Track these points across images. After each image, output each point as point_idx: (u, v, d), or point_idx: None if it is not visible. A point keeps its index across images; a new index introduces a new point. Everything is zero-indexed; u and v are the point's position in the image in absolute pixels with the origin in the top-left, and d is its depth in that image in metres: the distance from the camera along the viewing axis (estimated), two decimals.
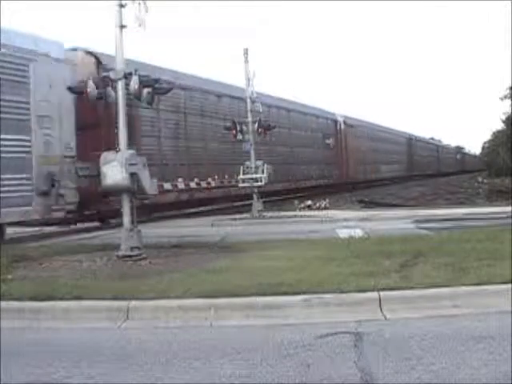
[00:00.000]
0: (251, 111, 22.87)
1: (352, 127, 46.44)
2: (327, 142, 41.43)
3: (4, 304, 7.61)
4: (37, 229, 18.42)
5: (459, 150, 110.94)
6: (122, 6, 11.29)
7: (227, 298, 7.45)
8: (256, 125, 22.74)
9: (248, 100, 22.93)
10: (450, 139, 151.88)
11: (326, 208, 24.72)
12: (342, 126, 43.97)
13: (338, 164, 43.21)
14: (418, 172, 70.72)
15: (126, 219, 11.26)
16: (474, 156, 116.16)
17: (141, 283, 8.39)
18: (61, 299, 7.70)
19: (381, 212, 21.81)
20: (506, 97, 54.49)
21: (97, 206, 18.98)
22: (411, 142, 71.15)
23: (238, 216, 21.59)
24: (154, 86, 11.56)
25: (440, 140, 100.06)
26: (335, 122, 44.19)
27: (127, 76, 11.27)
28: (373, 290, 7.38)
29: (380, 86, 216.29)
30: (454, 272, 8.10)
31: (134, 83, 11.15)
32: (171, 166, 23.28)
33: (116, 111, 11.54)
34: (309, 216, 21.22)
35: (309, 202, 25.88)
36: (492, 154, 62.77)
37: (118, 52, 11.38)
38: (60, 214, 16.33)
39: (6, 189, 14.34)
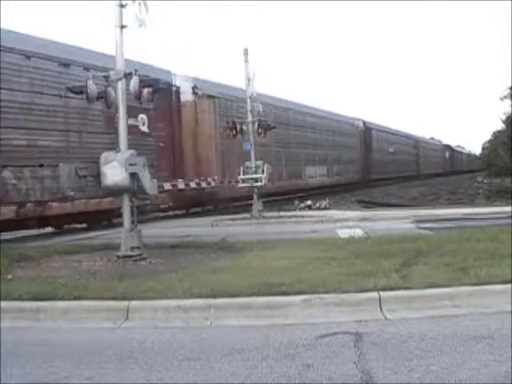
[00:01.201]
0: (251, 111, 22.88)
1: (211, 99, 25.87)
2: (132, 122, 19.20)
3: (4, 304, 7.62)
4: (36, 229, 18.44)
5: (448, 146, 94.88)
6: (122, 6, 11.30)
7: (227, 298, 7.45)
8: (256, 125, 22.78)
9: (248, 100, 22.93)
10: (450, 139, 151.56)
11: (326, 208, 24.73)
12: (183, 97, 23.66)
13: (164, 163, 22.72)
14: (380, 175, 53.08)
15: (126, 219, 11.26)
16: (469, 154, 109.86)
17: (141, 283, 8.38)
18: (61, 299, 7.70)
19: (381, 212, 21.80)
20: (506, 97, 54.40)
21: None
22: (369, 132, 51.46)
23: (237, 216, 21.60)
24: (154, 86, 11.57)
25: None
26: (169, 87, 23.04)
27: (127, 76, 11.27)
28: (373, 290, 7.37)
29: (380, 86, 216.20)
30: (454, 272, 8.10)
31: (134, 83, 11.16)
32: None
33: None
34: (309, 216, 21.22)
35: (309, 202, 25.91)
36: (492, 154, 62.61)
37: (118, 52, 11.38)
38: None
39: None
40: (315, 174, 39.43)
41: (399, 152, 61.77)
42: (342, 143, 45.61)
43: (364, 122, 51.19)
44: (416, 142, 71.74)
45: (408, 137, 69.16)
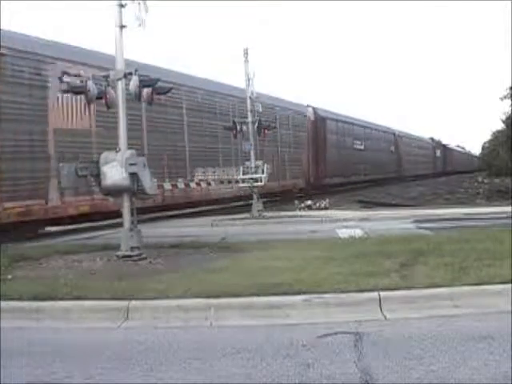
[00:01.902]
0: (251, 111, 22.89)
1: None
2: None
3: (4, 304, 7.61)
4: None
5: (440, 144, 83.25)
6: (122, 5, 11.30)
7: (227, 298, 7.45)
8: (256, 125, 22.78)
9: (248, 100, 22.94)
10: (450, 139, 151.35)
11: (325, 208, 24.75)
12: None
13: None
14: (340, 179, 41.52)
15: (126, 219, 11.26)
16: (467, 154, 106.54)
17: (141, 283, 8.39)
18: (61, 299, 7.70)
19: (380, 212, 21.80)
20: (505, 97, 54.37)
21: None
22: (322, 124, 39.49)
23: (237, 216, 21.61)
24: (154, 86, 11.56)
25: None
26: None
27: (127, 76, 11.27)
28: (373, 290, 7.38)
29: (381, 86, 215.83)
30: (454, 272, 8.10)
31: (134, 83, 11.15)
32: None
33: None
34: (309, 216, 21.22)
35: (309, 202, 25.91)
36: (492, 154, 62.60)
37: (118, 52, 11.38)
38: None
39: None
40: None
41: (371, 149, 49.54)
42: (275, 137, 31.65)
43: (315, 110, 39.10)
44: (395, 138, 58.57)
45: (385, 131, 55.87)
